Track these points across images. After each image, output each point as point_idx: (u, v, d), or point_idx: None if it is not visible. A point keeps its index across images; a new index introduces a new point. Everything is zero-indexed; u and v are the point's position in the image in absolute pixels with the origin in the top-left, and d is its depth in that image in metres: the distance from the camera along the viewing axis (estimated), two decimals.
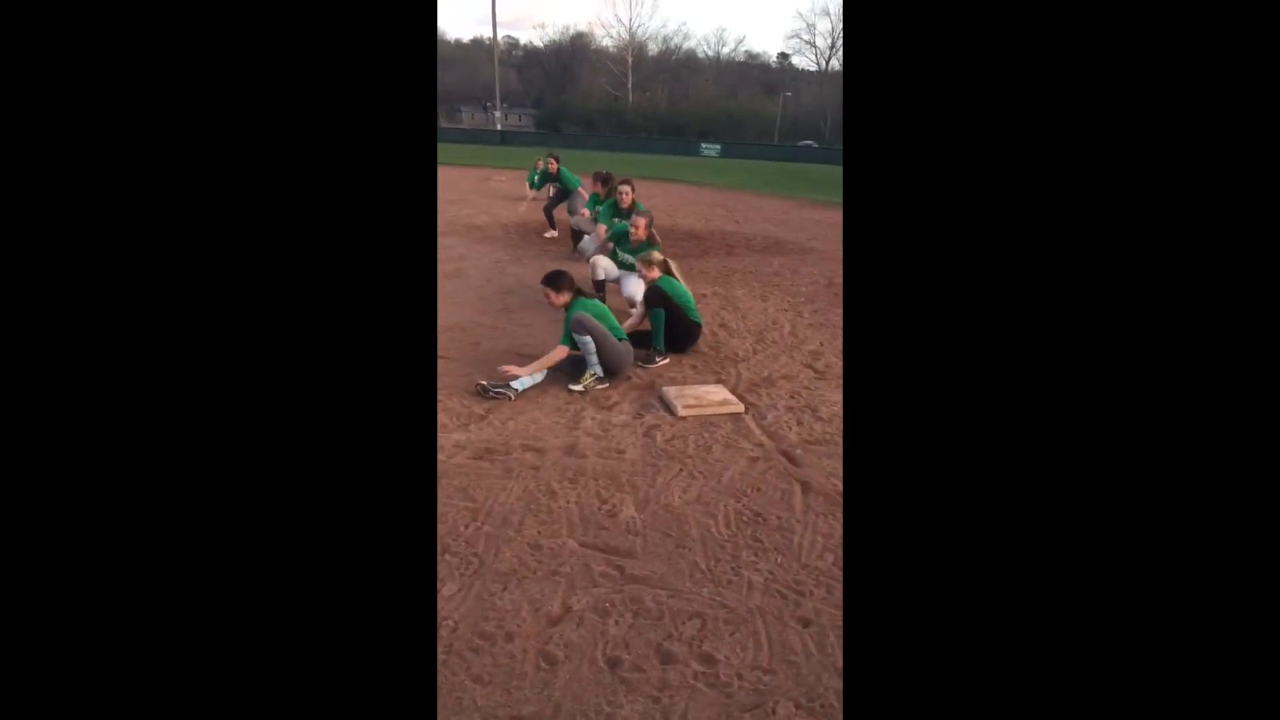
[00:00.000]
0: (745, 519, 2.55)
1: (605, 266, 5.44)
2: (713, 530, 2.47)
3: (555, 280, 3.89)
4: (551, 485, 2.74)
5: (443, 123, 51.73)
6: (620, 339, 3.84)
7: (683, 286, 4.41)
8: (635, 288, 5.05)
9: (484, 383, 3.64)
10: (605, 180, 7.35)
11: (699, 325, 4.43)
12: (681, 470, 2.90)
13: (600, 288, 5.30)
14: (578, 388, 3.72)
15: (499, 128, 38.72)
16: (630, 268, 5.29)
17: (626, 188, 6.28)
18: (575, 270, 4.36)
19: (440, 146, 28.63)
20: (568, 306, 3.86)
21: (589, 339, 3.72)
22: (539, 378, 3.73)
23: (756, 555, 2.34)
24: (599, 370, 3.78)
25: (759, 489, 2.77)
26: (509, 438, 3.14)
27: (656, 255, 4.47)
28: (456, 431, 3.19)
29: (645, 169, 19.95)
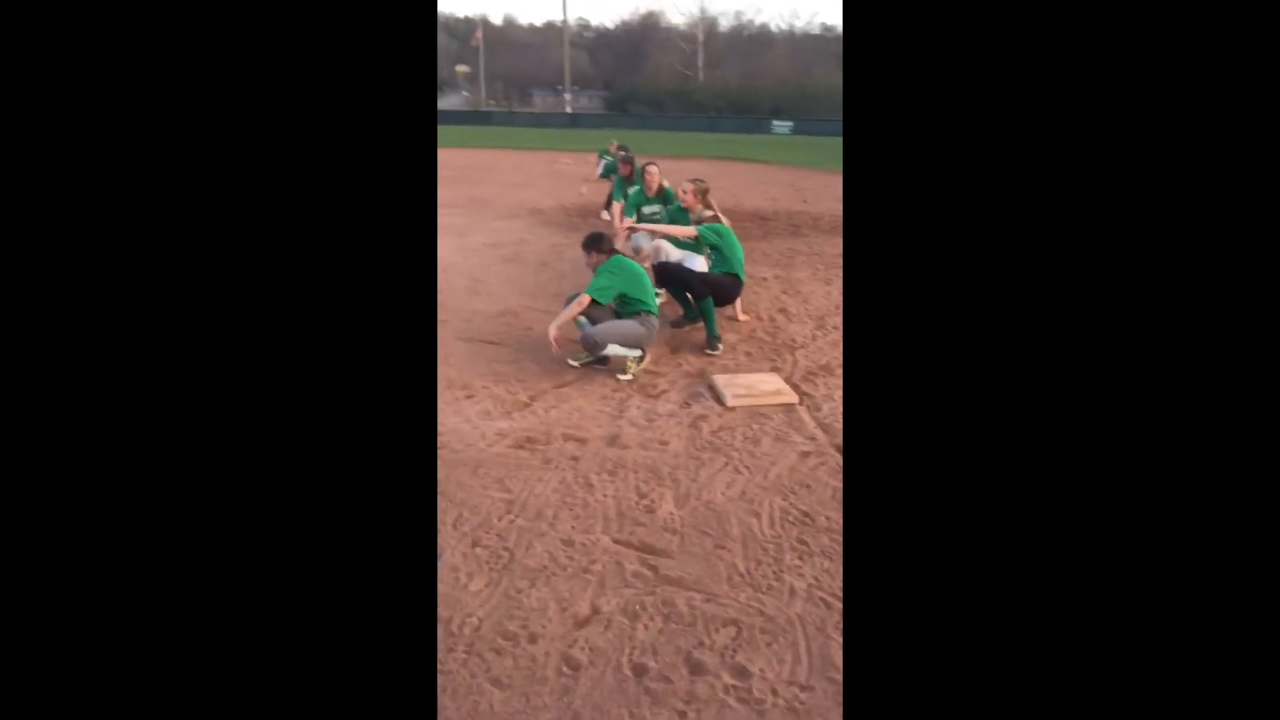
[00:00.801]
0: (791, 519, 2.40)
1: (666, 249, 5.24)
2: (755, 530, 2.33)
3: (590, 244, 3.92)
4: (590, 478, 2.65)
5: (514, 107, 52.42)
6: (640, 311, 3.74)
7: (734, 235, 4.44)
8: (698, 267, 4.92)
9: (574, 362, 3.76)
10: (628, 160, 6.92)
11: (742, 282, 4.43)
12: (726, 464, 2.76)
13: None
14: (626, 377, 3.62)
15: (568, 110, 38.82)
16: (689, 247, 5.14)
17: (654, 169, 5.90)
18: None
19: (510, 131, 29.05)
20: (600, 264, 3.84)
21: (612, 346, 3.64)
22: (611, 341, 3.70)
23: (801, 559, 2.19)
24: (634, 353, 3.70)
25: (808, 486, 2.60)
26: (551, 426, 3.07)
27: (707, 213, 4.57)
28: (500, 419, 3.15)
29: (714, 148, 19.63)
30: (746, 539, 2.29)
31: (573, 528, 2.34)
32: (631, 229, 5.19)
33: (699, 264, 4.92)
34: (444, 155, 17.45)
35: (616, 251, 3.88)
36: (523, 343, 4.14)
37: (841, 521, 2.38)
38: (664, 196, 5.59)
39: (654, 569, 2.14)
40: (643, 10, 62.99)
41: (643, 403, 3.34)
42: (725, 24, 57.94)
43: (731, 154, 18.22)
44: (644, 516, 2.41)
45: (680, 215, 5.23)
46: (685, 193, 5.03)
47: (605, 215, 8.40)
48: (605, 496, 2.53)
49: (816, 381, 3.60)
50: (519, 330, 4.35)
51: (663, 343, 4.17)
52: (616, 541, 2.27)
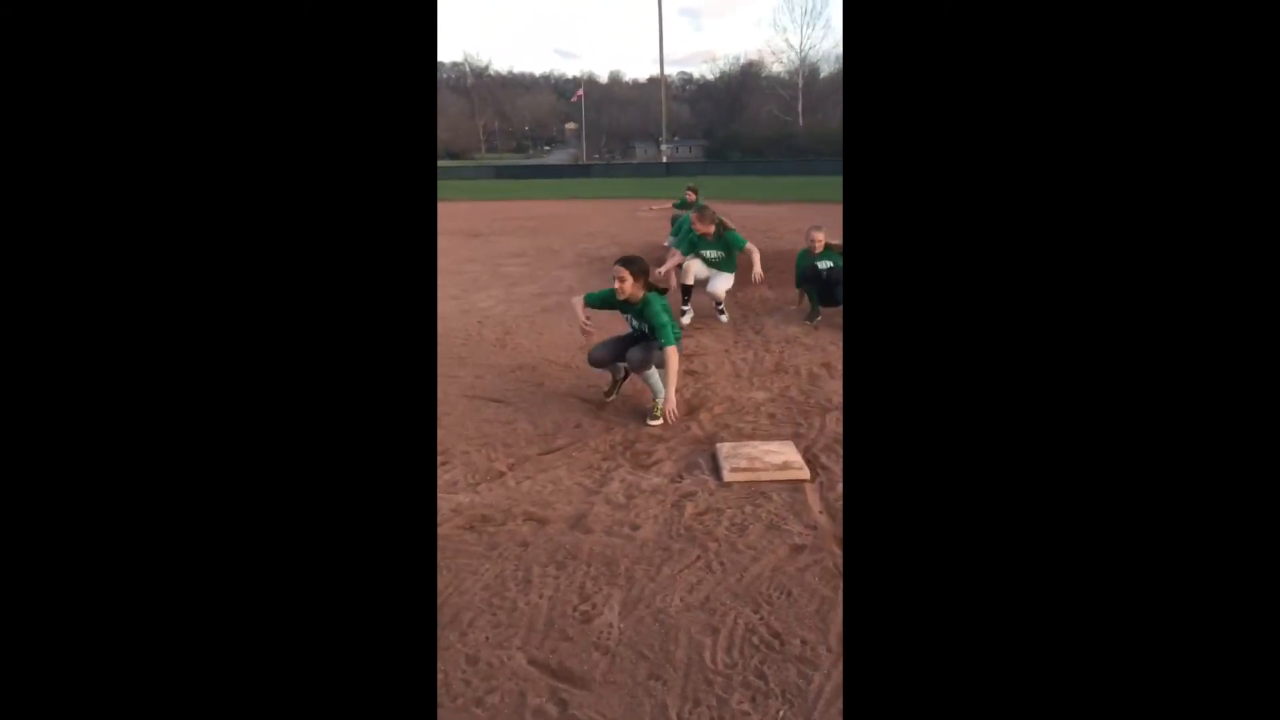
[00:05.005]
0: (756, 641, 1.88)
1: (695, 270, 5.52)
2: (706, 655, 1.84)
3: (632, 263, 3.50)
4: (531, 571, 2.24)
5: (616, 159, 53.93)
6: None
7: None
8: (721, 284, 5.46)
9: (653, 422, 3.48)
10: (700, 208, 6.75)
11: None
12: (698, 559, 2.27)
13: (688, 292, 5.51)
14: (656, 422, 3.43)
15: (664, 160, 39.41)
16: (717, 265, 5.51)
17: (696, 214, 5.90)
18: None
19: (606, 182, 29.58)
20: (643, 300, 3.48)
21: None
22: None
23: (752, 703, 1.67)
24: (659, 388, 3.55)
25: (789, 594, 2.07)
26: (515, 502, 2.69)
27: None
28: (464, 491, 2.80)
29: (807, 191, 19.08)
30: (691, 667, 1.80)
31: (486, 639, 1.93)
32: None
33: (724, 281, 5.50)
34: (532, 207, 18.00)
35: (652, 287, 3.58)
36: (529, 401, 3.81)
37: (820, 649, 1.84)
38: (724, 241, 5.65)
39: (562, 705, 1.69)
40: (743, 61, 63.50)
41: (630, 474, 2.91)
42: (826, 69, 57.40)
43: (826, 196, 17.57)
44: (576, 627, 1.97)
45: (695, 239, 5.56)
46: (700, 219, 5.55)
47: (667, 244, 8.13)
48: (540, 598, 2.11)
49: (841, 453, 3.04)
50: (529, 387, 4.03)
51: (682, 405, 3.73)
52: (531, 662, 1.84)
